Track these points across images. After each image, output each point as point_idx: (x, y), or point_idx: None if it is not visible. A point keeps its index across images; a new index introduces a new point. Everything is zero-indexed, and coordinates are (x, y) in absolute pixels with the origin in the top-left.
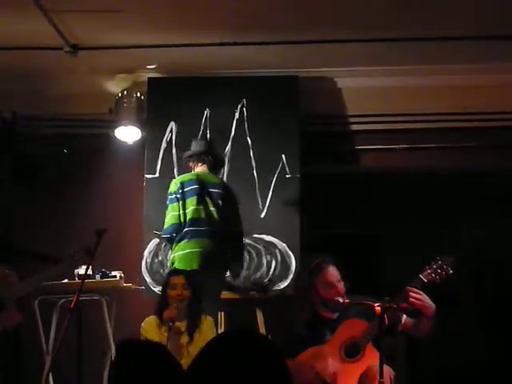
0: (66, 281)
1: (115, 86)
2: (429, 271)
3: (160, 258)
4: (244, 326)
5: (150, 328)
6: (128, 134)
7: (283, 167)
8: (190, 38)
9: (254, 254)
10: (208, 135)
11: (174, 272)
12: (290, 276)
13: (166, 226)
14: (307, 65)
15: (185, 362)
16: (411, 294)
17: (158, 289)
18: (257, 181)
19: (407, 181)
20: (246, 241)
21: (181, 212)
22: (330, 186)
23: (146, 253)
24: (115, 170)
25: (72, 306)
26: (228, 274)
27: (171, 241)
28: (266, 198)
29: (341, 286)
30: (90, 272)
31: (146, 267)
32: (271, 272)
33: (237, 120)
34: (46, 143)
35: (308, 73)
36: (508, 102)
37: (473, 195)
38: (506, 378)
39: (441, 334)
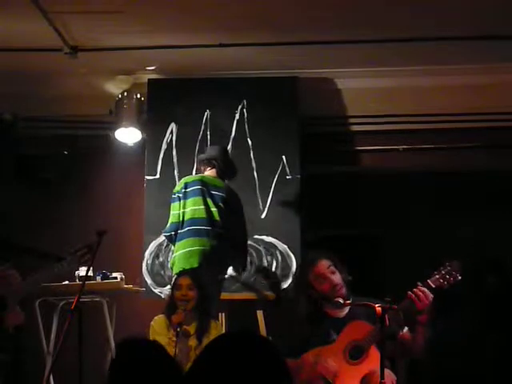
0: (66, 282)
1: (115, 88)
2: (437, 276)
3: (161, 260)
4: (245, 327)
5: (158, 328)
6: (128, 135)
7: (283, 168)
8: (190, 39)
9: (255, 255)
10: (208, 136)
11: (181, 273)
12: (291, 277)
13: (167, 226)
14: (307, 66)
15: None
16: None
17: (158, 290)
18: (257, 182)
19: (407, 181)
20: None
21: (181, 211)
22: (331, 186)
23: (146, 254)
24: (116, 171)
25: (73, 307)
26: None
27: (172, 240)
28: (267, 199)
29: (335, 277)
30: (90, 273)
31: (147, 268)
32: (272, 273)
33: (237, 121)
34: (47, 144)
35: (308, 74)
36: (507, 102)
37: (472, 195)
38: (508, 380)
39: (440, 338)
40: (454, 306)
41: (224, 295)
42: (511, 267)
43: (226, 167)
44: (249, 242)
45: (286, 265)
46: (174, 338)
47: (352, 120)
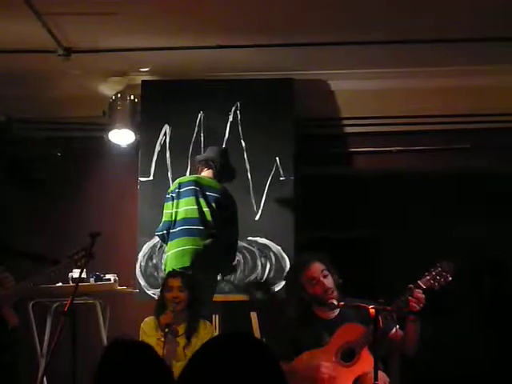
0: (59, 284)
1: (109, 89)
2: (428, 278)
3: (154, 261)
4: (238, 329)
5: (148, 329)
6: (122, 136)
7: (277, 170)
8: (184, 40)
9: (249, 257)
10: (202, 138)
11: (171, 274)
12: (284, 279)
13: (160, 225)
14: (301, 68)
15: (181, 365)
16: (415, 298)
17: (152, 292)
18: (251, 183)
19: (402, 183)
20: (241, 244)
21: (173, 211)
22: (325, 188)
23: (140, 256)
24: (109, 172)
25: (66, 309)
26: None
27: (164, 239)
28: (261, 200)
29: (327, 281)
30: (84, 275)
31: (141, 270)
32: (265, 275)
33: (231, 123)
34: (40, 146)
35: (302, 75)
36: (501, 104)
37: (467, 197)
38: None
39: (436, 338)
40: (450, 306)
41: (218, 297)
42: (508, 268)
43: (224, 169)
44: (243, 244)
45: (279, 266)
46: (163, 339)
47: (346, 122)
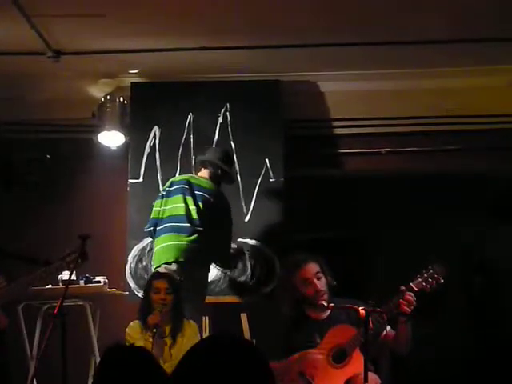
0: (49, 286)
1: (98, 91)
2: (419, 280)
3: (144, 263)
4: (228, 331)
5: (134, 333)
6: (111, 138)
7: (267, 171)
8: (173, 42)
9: (247, 257)
10: (191, 140)
11: (157, 275)
12: (275, 280)
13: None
14: (290, 69)
15: (168, 366)
16: (406, 300)
17: (141, 294)
18: (241, 185)
19: (391, 184)
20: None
21: (161, 208)
22: (314, 189)
23: (130, 258)
24: (99, 174)
25: (56, 311)
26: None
27: (152, 236)
28: (250, 202)
29: (320, 282)
30: (73, 277)
31: (130, 272)
32: (256, 276)
33: (220, 124)
34: (29, 148)
35: (291, 77)
36: (490, 105)
37: (457, 197)
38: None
39: (425, 339)
40: (439, 307)
41: (208, 298)
42: (497, 268)
43: (221, 170)
44: (233, 246)
45: (269, 268)
46: (151, 339)
47: (335, 123)
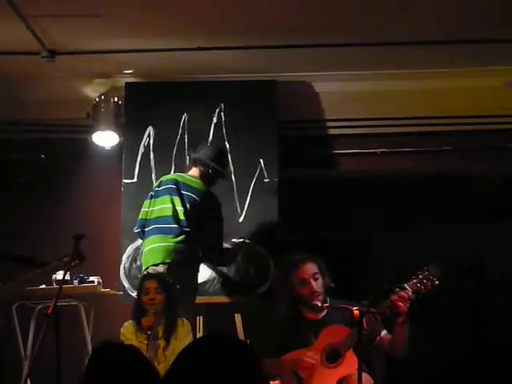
0: (43, 286)
1: (93, 91)
2: (414, 281)
3: (138, 263)
4: (222, 331)
5: (128, 334)
6: (106, 138)
7: (261, 171)
8: (168, 42)
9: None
10: (186, 140)
11: (146, 276)
12: (269, 281)
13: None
14: (285, 69)
15: (162, 367)
16: (399, 297)
17: (136, 294)
18: (235, 185)
19: (386, 185)
20: (225, 245)
21: (149, 209)
22: (309, 190)
23: (124, 258)
24: (93, 174)
25: (50, 311)
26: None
27: (141, 237)
28: (245, 202)
29: (316, 283)
30: (67, 277)
31: (124, 272)
32: (250, 276)
33: (215, 124)
34: (24, 148)
35: (286, 77)
36: (485, 106)
37: (451, 199)
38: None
39: (421, 340)
40: (433, 309)
41: (202, 299)
42: (491, 269)
43: (212, 170)
44: (227, 246)
45: (263, 268)
46: (146, 342)
47: (330, 123)
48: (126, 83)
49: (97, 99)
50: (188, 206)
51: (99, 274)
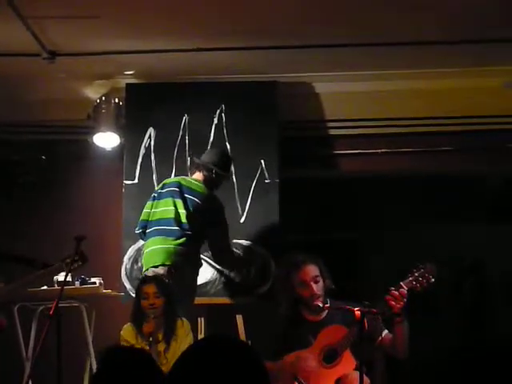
0: (45, 287)
1: (93, 92)
2: (410, 279)
3: (139, 264)
4: (223, 332)
5: (129, 337)
6: (106, 140)
7: (262, 172)
8: (168, 43)
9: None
10: (187, 141)
11: (144, 280)
12: (270, 281)
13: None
14: (285, 70)
15: (164, 369)
16: (392, 296)
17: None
18: (236, 186)
19: (387, 185)
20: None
21: (152, 210)
22: (310, 190)
23: (125, 259)
24: (94, 176)
25: (51, 312)
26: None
27: (142, 238)
28: (246, 203)
29: (317, 286)
30: (69, 278)
31: (126, 273)
32: (251, 277)
33: (215, 125)
34: (24, 149)
35: (286, 78)
36: (485, 106)
37: (452, 199)
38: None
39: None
40: (432, 308)
41: (203, 300)
42: (489, 269)
43: (215, 175)
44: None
45: (264, 269)
46: (147, 347)
47: (330, 124)
48: (127, 84)
49: (97, 100)
50: (190, 209)
51: (101, 275)
